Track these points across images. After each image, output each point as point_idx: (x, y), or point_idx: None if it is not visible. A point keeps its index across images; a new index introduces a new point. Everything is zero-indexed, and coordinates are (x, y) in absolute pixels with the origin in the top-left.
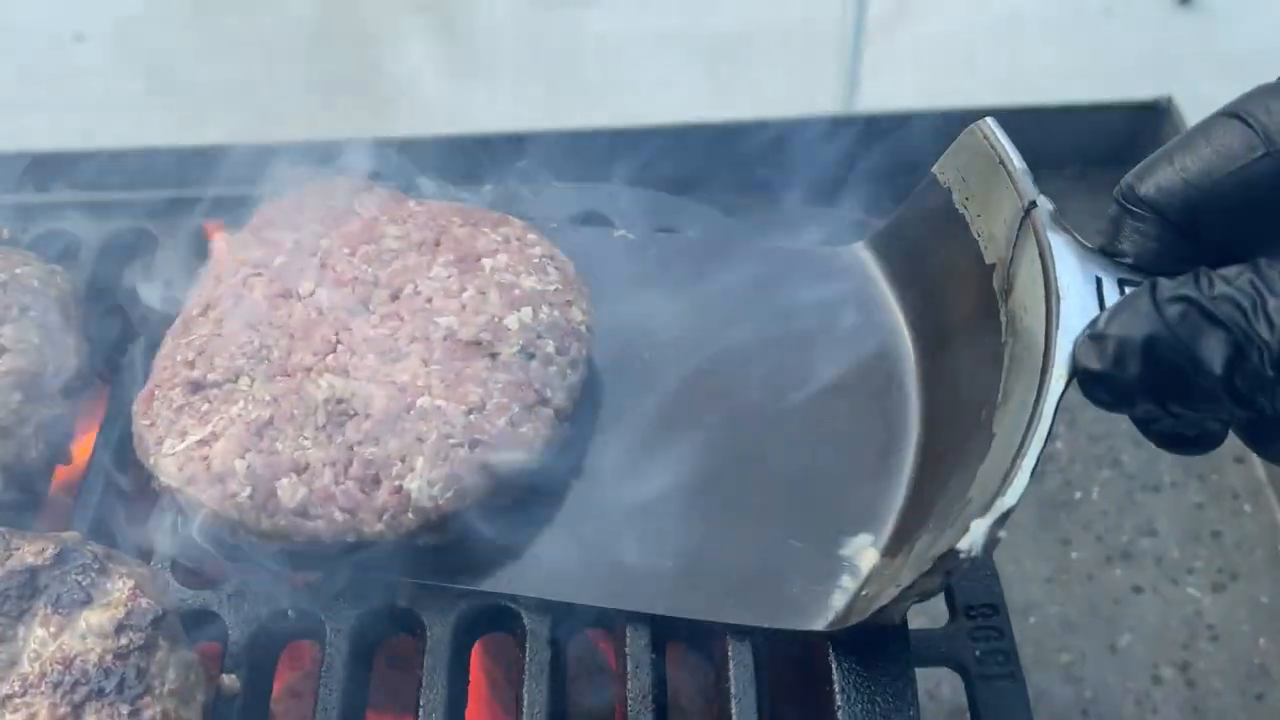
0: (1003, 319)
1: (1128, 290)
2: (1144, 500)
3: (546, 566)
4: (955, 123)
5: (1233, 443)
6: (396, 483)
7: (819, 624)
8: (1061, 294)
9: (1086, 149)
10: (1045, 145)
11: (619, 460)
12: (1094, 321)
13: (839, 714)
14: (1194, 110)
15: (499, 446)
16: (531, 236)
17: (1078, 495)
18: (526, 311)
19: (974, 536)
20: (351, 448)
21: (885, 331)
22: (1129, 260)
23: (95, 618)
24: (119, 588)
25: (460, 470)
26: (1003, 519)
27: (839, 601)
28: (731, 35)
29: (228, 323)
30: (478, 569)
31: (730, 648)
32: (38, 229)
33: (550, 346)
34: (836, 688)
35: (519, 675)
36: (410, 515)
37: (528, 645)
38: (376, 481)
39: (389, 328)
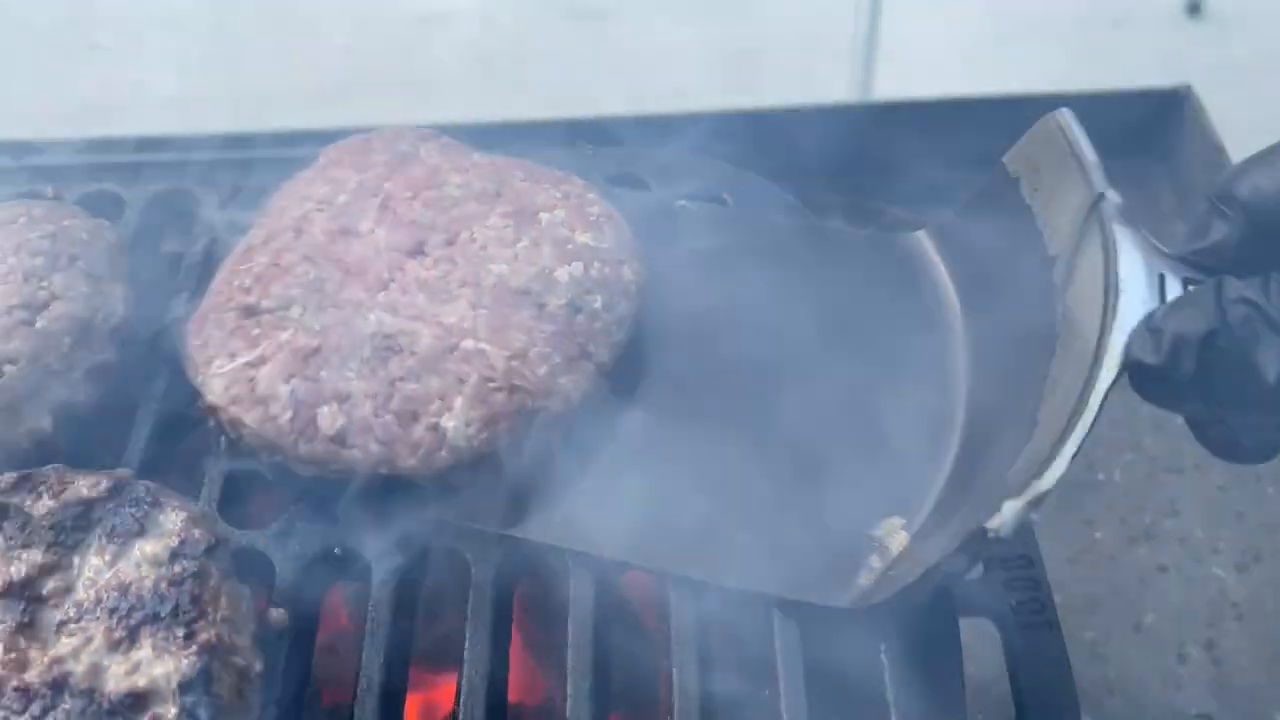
0: (1059, 311)
1: (1190, 289)
2: (1166, 481)
3: (574, 519)
4: (987, 110)
5: None
6: (434, 420)
7: (842, 600)
8: (1121, 288)
9: (1105, 138)
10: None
11: (657, 422)
12: (1152, 314)
13: (885, 668)
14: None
15: (537, 394)
16: (591, 196)
17: (1100, 477)
18: (578, 266)
19: (1005, 517)
20: (393, 382)
21: (938, 318)
22: (1206, 256)
23: (150, 547)
24: (172, 519)
25: (497, 413)
26: (1036, 501)
27: (865, 580)
28: (744, 47)
29: (286, 254)
30: (505, 513)
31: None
32: (83, 189)
33: (598, 302)
34: (881, 645)
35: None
36: (444, 453)
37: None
38: (415, 417)
39: (441, 270)
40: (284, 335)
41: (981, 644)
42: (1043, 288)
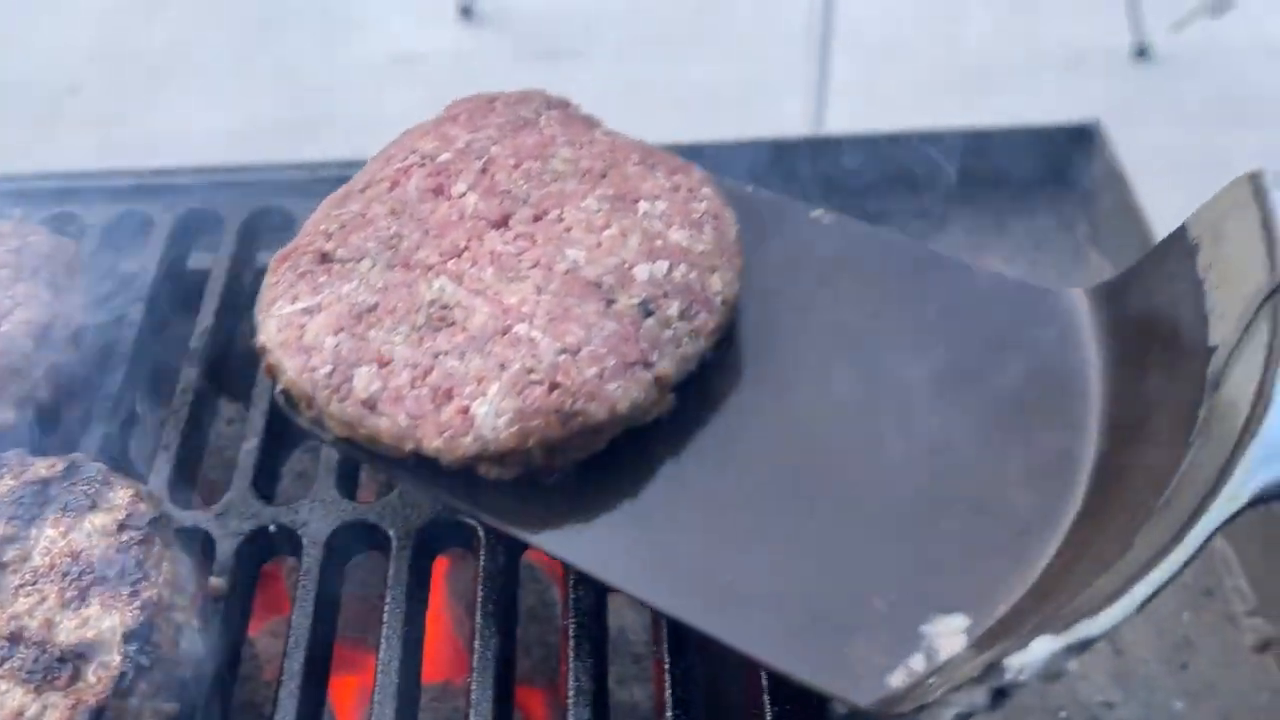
0: (1201, 414)
1: None
2: None
3: (594, 536)
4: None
5: None
6: (465, 403)
7: (863, 699)
8: (1275, 399)
9: (1024, 170)
10: (987, 166)
11: (718, 451)
12: None
13: None
14: (1153, 157)
15: (579, 396)
16: (706, 190)
17: None
18: (661, 265)
19: (1033, 655)
20: (437, 356)
21: (1072, 396)
22: None
23: (99, 519)
24: (120, 495)
25: (531, 408)
26: (1079, 647)
27: (898, 681)
28: (702, 83)
29: (376, 205)
30: (524, 516)
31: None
32: (46, 212)
33: (673, 309)
34: None
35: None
36: (469, 440)
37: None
38: (449, 396)
39: (518, 247)
40: (346, 288)
41: None
42: (1195, 380)
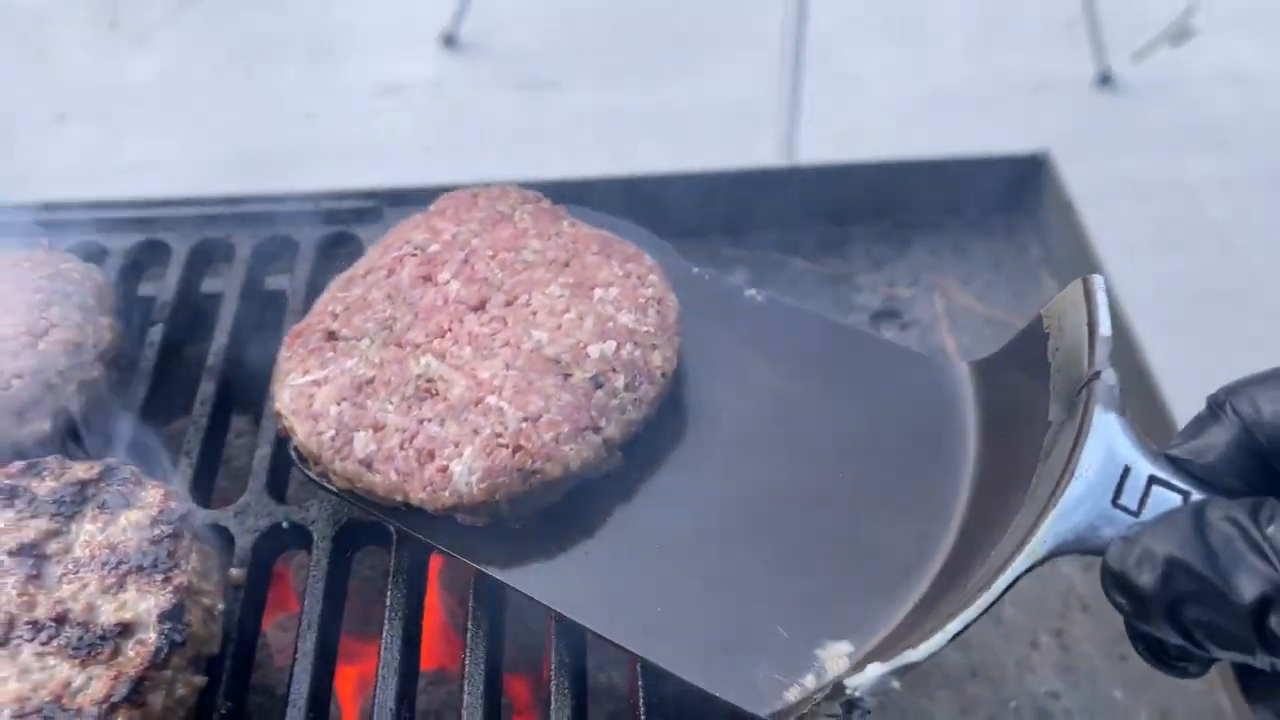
0: (1033, 481)
1: (1155, 488)
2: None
3: (551, 572)
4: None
5: None
6: (444, 463)
7: (763, 710)
8: (1077, 474)
9: (982, 196)
10: (947, 193)
11: (657, 501)
12: (1132, 525)
13: None
14: (1115, 182)
15: (538, 457)
16: (653, 278)
17: None
18: (610, 344)
19: (866, 678)
20: (422, 422)
21: (952, 456)
22: (1193, 456)
23: (134, 516)
24: (152, 495)
25: (498, 467)
26: (901, 671)
27: (793, 696)
28: (678, 112)
29: (375, 290)
30: (494, 553)
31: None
32: (74, 240)
33: (620, 381)
34: None
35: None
36: (448, 494)
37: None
38: (431, 456)
39: (492, 328)
40: (349, 363)
41: None
42: (1035, 450)
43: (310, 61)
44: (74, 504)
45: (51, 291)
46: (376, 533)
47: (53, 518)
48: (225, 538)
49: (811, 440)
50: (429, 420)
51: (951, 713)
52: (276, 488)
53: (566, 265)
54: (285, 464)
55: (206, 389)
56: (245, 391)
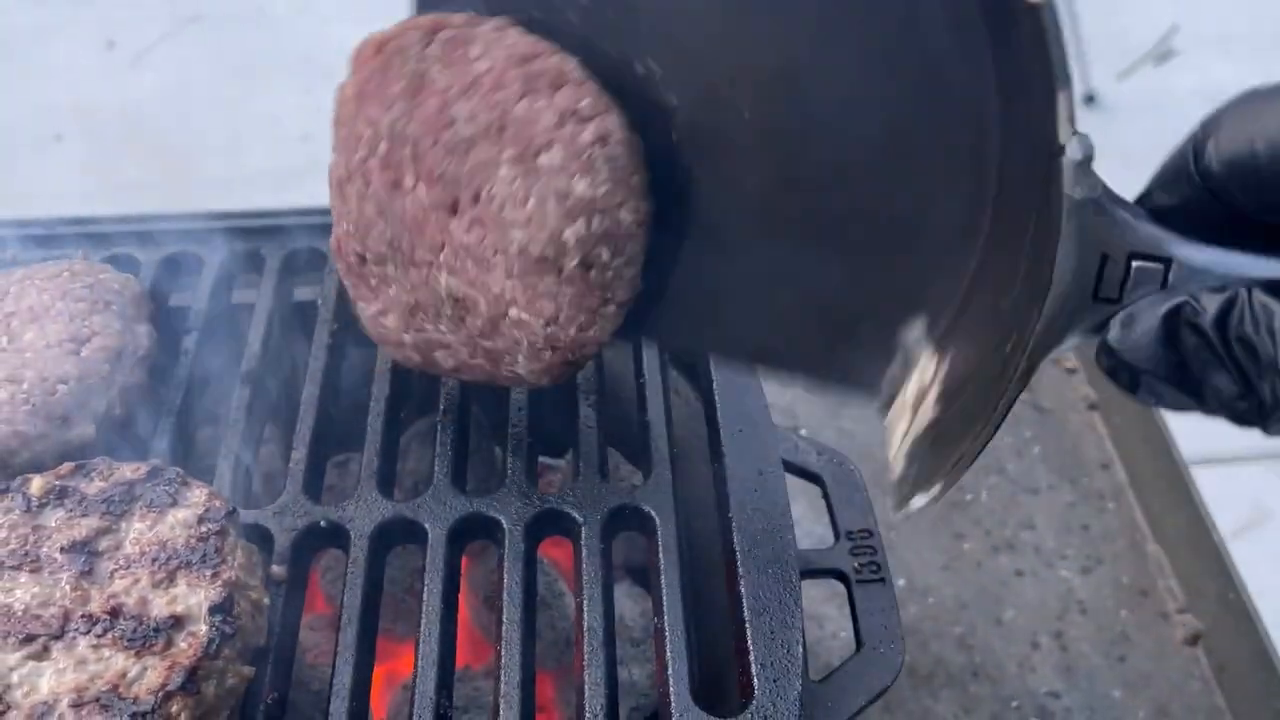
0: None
1: (1135, 264)
2: (1024, 500)
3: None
4: None
5: (1099, 450)
6: (510, 367)
7: (874, 402)
8: (1053, 289)
9: None
10: None
11: (713, 237)
12: (1108, 329)
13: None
14: None
15: (572, 349)
16: (585, 105)
17: (969, 497)
18: (580, 224)
19: (915, 504)
20: (473, 338)
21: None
22: (1164, 198)
23: (181, 514)
24: (197, 494)
25: (549, 366)
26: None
27: (886, 387)
28: None
29: (365, 203)
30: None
31: (660, 530)
32: (105, 252)
33: (605, 254)
34: (742, 589)
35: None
36: (528, 381)
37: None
38: (498, 363)
39: (476, 235)
40: (391, 291)
41: (830, 597)
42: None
43: (307, 81)
44: (123, 503)
45: (93, 300)
46: (411, 532)
47: (103, 516)
48: (265, 537)
49: (823, 111)
50: (479, 335)
51: (955, 711)
52: (312, 489)
53: (502, 129)
54: (319, 467)
55: (243, 394)
56: (278, 396)
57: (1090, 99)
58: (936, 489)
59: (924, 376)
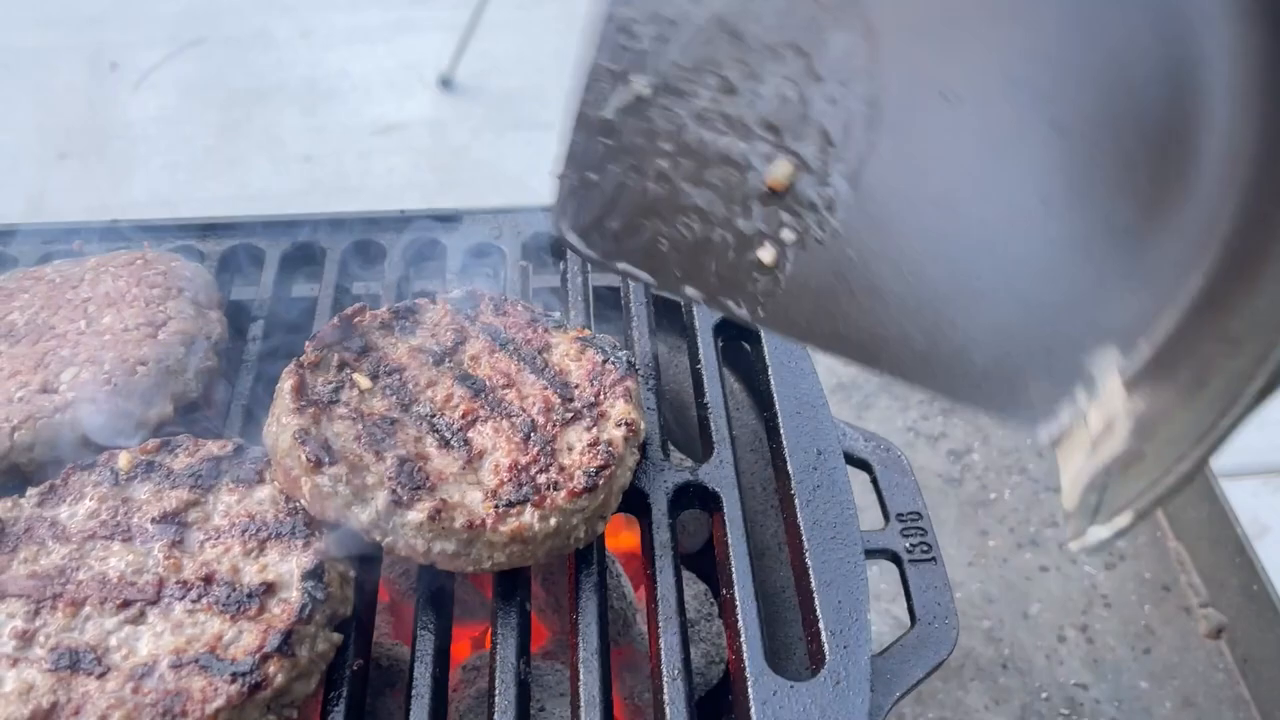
0: None
1: None
2: (1046, 499)
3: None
4: None
5: None
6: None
7: (1039, 429)
8: None
9: None
10: None
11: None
12: None
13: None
14: None
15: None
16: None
17: (993, 496)
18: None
19: (1088, 540)
20: None
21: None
22: None
23: (267, 491)
24: None
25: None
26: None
27: (1065, 415)
28: None
29: None
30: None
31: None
32: (169, 245)
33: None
34: (809, 561)
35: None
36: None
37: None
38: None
39: None
40: None
41: (885, 576)
42: None
43: (310, 104)
44: (210, 477)
45: (167, 287)
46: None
47: (191, 489)
48: None
49: (1049, 110)
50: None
51: (986, 703)
52: None
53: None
54: None
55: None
56: None
57: None
58: (1124, 519)
59: (1112, 407)
